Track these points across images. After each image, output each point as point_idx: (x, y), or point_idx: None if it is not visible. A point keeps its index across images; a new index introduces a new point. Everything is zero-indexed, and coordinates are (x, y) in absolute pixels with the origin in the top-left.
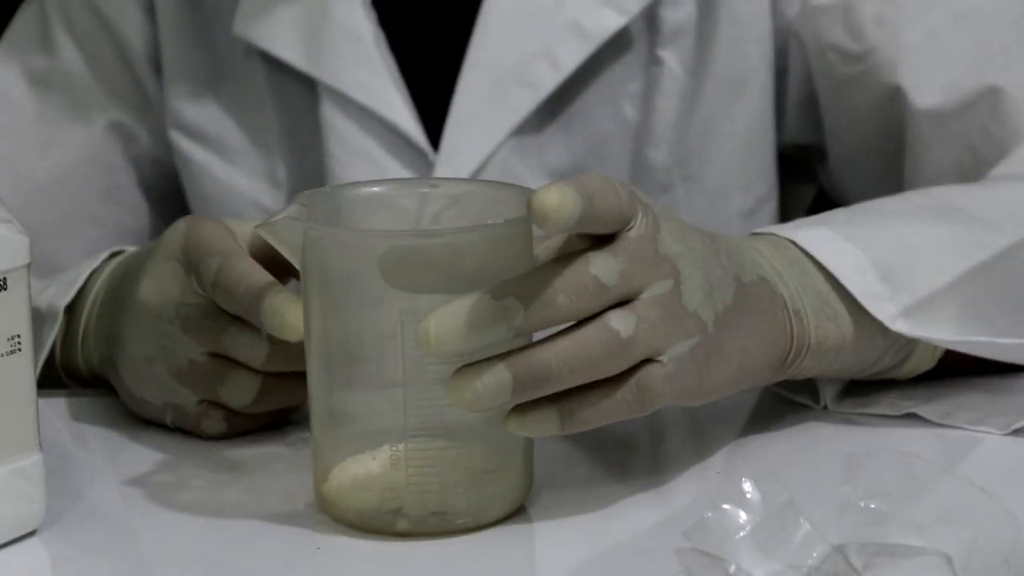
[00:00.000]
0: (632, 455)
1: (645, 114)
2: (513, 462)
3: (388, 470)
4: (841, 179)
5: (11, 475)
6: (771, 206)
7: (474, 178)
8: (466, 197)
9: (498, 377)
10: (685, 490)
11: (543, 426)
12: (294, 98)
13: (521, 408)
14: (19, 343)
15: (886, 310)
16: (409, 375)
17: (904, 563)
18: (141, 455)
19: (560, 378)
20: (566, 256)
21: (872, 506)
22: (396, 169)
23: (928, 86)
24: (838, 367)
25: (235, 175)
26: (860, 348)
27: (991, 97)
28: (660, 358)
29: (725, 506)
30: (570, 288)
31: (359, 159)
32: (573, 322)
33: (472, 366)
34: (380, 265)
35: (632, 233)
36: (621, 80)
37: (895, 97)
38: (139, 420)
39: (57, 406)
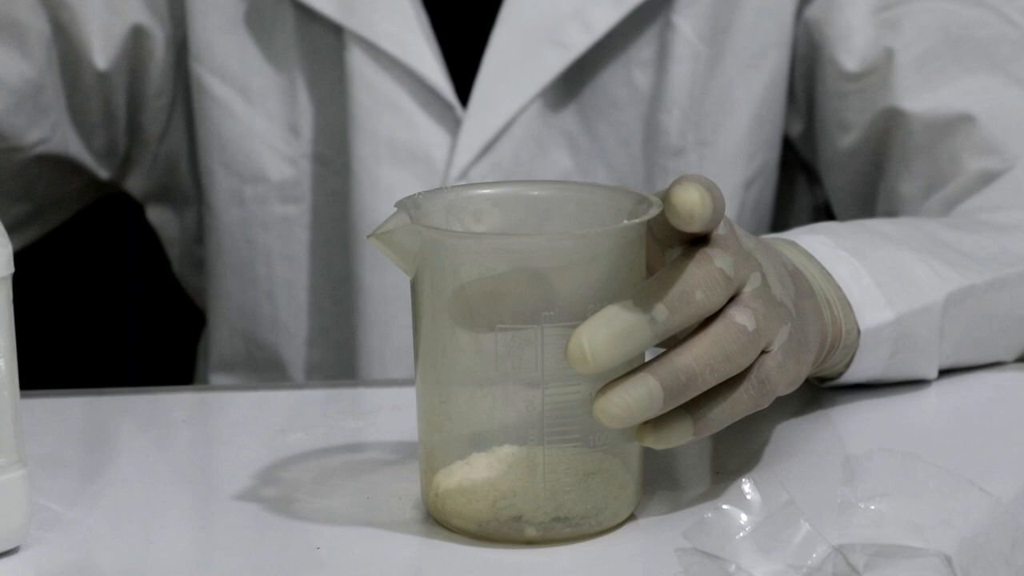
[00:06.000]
0: None
1: (657, 79)
2: (632, 464)
3: (505, 474)
4: (822, 172)
5: None
6: (767, 178)
7: (569, 180)
8: (565, 199)
9: (648, 388)
10: (685, 490)
11: (678, 434)
12: (321, 46)
13: (654, 421)
14: (1, 353)
15: (882, 316)
16: (548, 376)
17: (904, 563)
18: (142, 455)
19: (704, 380)
20: (684, 255)
21: (872, 506)
22: (424, 122)
23: (915, 105)
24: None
25: (255, 116)
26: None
27: (965, 124)
28: (770, 348)
29: (725, 506)
30: (703, 283)
31: (387, 109)
32: (701, 320)
33: (618, 381)
34: None
35: (722, 231)
36: (634, 46)
37: (884, 116)
38: (140, 420)
39: (54, 406)
